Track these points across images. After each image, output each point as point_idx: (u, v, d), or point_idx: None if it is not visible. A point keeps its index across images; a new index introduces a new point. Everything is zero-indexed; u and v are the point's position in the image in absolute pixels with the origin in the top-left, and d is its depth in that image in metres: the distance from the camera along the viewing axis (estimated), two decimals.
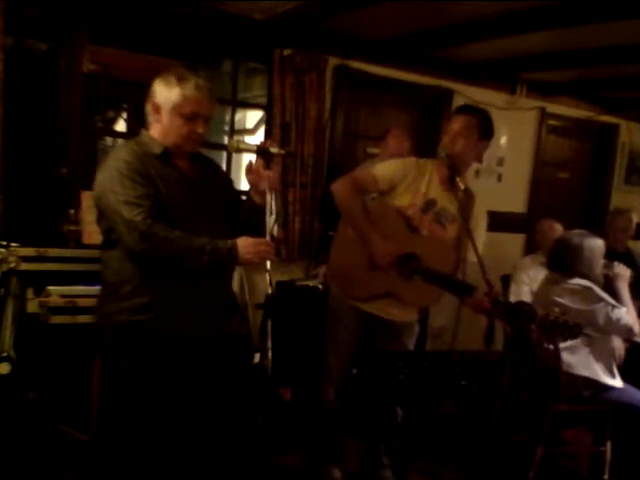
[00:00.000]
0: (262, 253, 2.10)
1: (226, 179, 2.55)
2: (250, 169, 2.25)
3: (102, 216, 2.16)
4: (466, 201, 2.74)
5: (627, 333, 3.08)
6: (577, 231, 3.23)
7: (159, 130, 2.18)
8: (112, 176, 2.07)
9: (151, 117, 2.19)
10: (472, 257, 2.54)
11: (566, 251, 3.16)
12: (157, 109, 2.16)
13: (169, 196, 2.12)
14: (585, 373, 3.06)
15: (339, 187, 2.76)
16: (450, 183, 2.63)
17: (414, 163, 2.80)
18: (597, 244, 3.16)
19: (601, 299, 3.02)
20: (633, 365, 3.31)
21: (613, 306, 3.02)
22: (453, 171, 2.59)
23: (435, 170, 2.77)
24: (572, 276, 3.09)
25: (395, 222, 2.72)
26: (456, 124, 2.71)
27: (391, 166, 2.81)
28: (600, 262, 3.16)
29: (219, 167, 2.43)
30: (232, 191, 2.49)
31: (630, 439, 3.18)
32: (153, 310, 2.11)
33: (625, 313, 3.04)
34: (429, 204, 2.75)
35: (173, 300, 2.13)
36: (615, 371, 3.14)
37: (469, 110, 2.79)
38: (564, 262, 3.15)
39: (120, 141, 3.90)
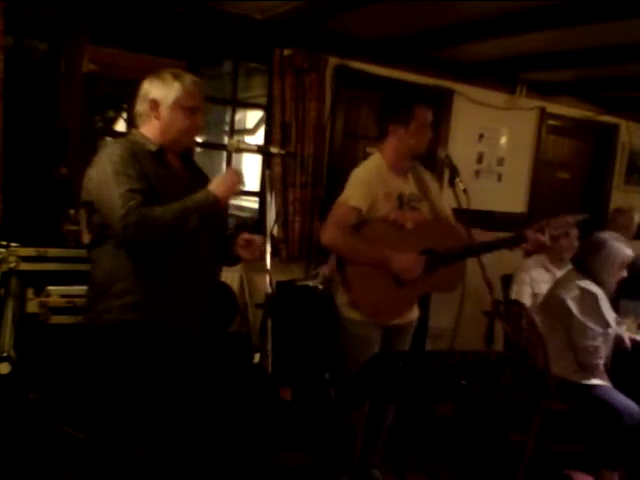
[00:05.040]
0: (234, 184, 2.17)
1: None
2: (246, 245, 2.26)
3: (94, 212, 2.12)
4: (417, 175, 2.85)
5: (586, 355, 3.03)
6: (611, 232, 3.19)
7: (157, 127, 2.18)
8: (106, 171, 2.06)
9: (146, 115, 2.20)
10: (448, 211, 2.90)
11: (587, 247, 3.14)
12: (155, 106, 2.16)
13: (162, 193, 2.10)
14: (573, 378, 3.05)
15: (329, 236, 2.69)
16: (450, 182, 2.57)
17: (369, 171, 2.76)
18: (621, 251, 3.05)
19: (591, 314, 2.99)
20: (631, 367, 3.31)
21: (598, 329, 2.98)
22: (454, 171, 2.54)
23: (382, 164, 2.78)
24: (585, 274, 3.07)
25: (387, 232, 2.70)
26: (430, 118, 2.81)
27: (360, 185, 2.72)
28: (616, 271, 3.06)
29: (205, 174, 2.44)
30: None
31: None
32: (144, 309, 2.10)
33: (599, 339, 3.00)
34: (400, 198, 2.75)
35: (164, 299, 2.12)
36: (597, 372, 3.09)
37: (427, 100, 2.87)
38: (582, 257, 3.15)
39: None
